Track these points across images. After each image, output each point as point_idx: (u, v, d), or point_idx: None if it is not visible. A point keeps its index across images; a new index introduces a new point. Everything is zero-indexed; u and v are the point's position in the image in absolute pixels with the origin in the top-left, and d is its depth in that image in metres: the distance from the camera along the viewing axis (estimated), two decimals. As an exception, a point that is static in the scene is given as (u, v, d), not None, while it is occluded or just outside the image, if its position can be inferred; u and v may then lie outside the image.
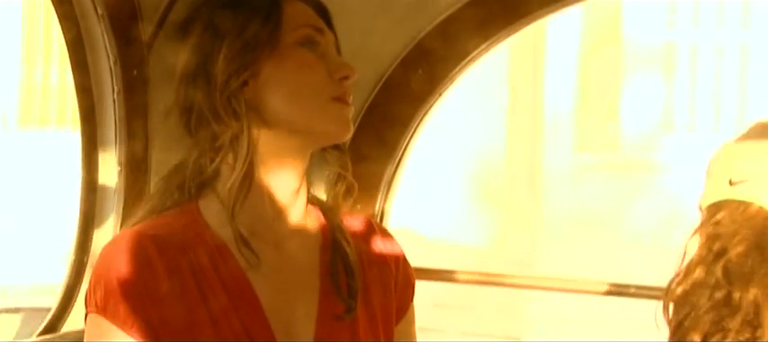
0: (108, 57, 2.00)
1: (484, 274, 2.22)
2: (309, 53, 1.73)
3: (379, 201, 2.10)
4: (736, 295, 1.48)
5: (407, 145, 2.05)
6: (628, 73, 11.23)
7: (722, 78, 12.54)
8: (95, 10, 1.97)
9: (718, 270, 1.50)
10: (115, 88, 2.00)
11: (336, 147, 1.77)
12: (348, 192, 1.78)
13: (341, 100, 1.72)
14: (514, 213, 10.72)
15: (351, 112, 1.74)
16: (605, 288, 2.12)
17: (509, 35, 1.98)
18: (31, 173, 10.15)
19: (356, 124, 2.02)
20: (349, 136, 1.75)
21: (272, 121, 1.71)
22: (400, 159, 2.08)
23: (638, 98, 11.94)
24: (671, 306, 1.55)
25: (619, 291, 2.14)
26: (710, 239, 1.54)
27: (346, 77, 1.74)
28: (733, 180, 1.56)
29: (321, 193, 1.79)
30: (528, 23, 1.94)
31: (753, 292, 1.47)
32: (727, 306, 1.48)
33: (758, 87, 12.66)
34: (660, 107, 12.21)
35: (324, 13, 1.78)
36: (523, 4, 1.95)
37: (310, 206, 1.78)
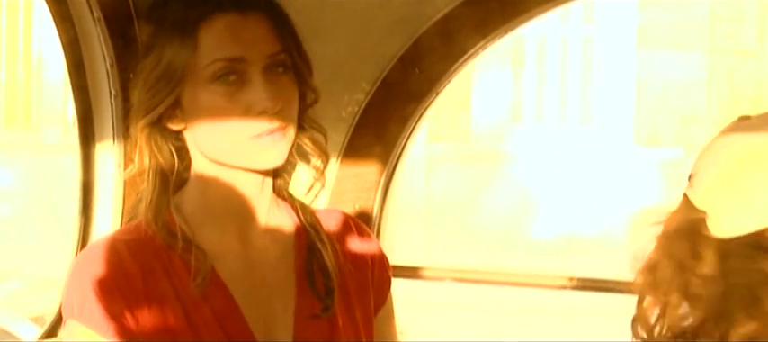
0: (104, 58, 1.99)
1: (453, 270, 2.27)
2: (222, 89, 1.66)
3: (377, 199, 2.10)
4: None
5: (406, 143, 2.06)
6: (478, 66, 11.44)
7: (568, 71, 12.93)
8: (91, 12, 1.97)
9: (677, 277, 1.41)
10: (112, 90, 2.00)
11: (314, 141, 1.76)
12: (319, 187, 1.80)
13: (259, 137, 1.66)
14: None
15: (278, 139, 1.66)
16: (575, 283, 2.16)
17: (507, 33, 2.00)
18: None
19: (355, 122, 2.07)
20: (278, 164, 1.69)
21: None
22: (399, 158, 2.09)
23: (489, 90, 12.21)
24: None
25: (589, 285, 2.16)
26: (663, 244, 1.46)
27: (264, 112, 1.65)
28: (690, 173, 1.46)
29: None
30: (525, 21, 1.96)
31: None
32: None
33: (601, 80, 13.10)
34: (510, 99, 12.52)
35: (252, 5, 1.68)
36: (521, 2, 1.96)
37: (282, 202, 1.79)
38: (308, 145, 1.76)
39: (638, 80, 12.81)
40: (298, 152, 1.76)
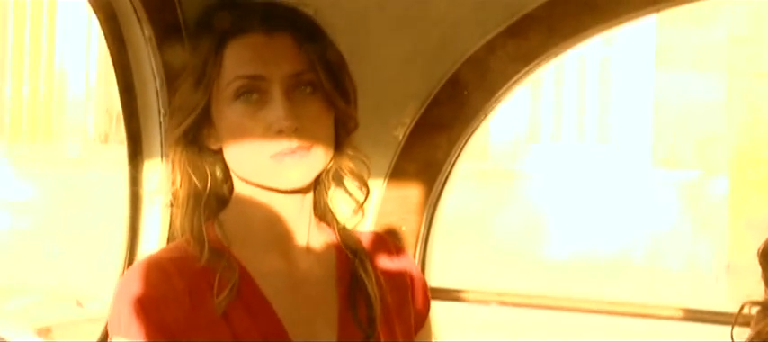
0: (154, 78, 2.00)
1: (493, 293, 2.26)
2: (244, 108, 1.68)
3: (423, 222, 2.11)
4: None
5: (453, 165, 2.08)
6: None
7: (585, 91, 12.92)
8: (142, 31, 1.98)
9: None
10: (161, 109, 2.01)
11: (353, 171, 1.76)
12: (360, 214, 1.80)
13: (279, 155, 1.67)
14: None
15: (300, 159, 1.66)
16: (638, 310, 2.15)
17: (550, 59, 2.02)
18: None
19: (402, 144, 2.08)
20: (301, 184, 1.69)
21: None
22: (446, 180, 2.10)
23: (506, 109, 12.22)
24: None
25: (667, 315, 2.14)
26: None
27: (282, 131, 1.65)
28: None
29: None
30: (573, 45, 2.00)
31: None
32: None
33: (618, 100, 13.08)
34: (526, 118, 12.52)
35: (279, 26, 1.70)
36: (565, 27, 1.99)
37: (325, 225, 1.80)
38: (345, 172, 1.77)
39: (655, 101, 12.80)
40: (334, 178, 1.77)
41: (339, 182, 1.78)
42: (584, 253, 12.54)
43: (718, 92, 12.87)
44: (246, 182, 1.73)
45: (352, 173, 1.77)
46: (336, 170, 1.76)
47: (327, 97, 1.70)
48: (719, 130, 12.88)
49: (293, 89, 1.68)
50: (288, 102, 1.66)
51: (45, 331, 7.51)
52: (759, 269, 1.48)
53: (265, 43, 1.68)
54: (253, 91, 1.67)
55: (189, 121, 1.72)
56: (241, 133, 1.67)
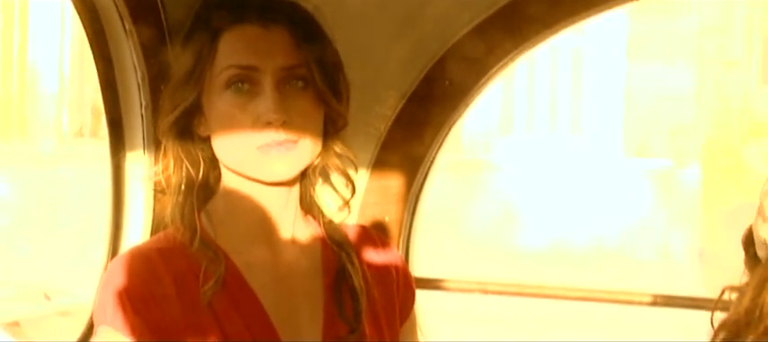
0: (136, 70, 2.01)
1: (474, 283, 2.28)
2: (234, 98, 1.68)
3: (406, 213, 2.12)
4: None
5: (435, 156, 2.09)
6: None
7: (557, 82, 12.99)
8: (123, 26, 1.98)
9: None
10: (143, 102, 2.01)
11: (339, 168, 1.77)
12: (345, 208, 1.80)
13: (266, 147, 1.67)
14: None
15: (287, 152, 1.66)
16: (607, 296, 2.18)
17: (535, 45, 2.04)
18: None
19: (384, 135, 2.09)
20: (286, 177, 1.69)
21: None
22: (428, 170, 2.11)
23: (478, 100, 12.26)
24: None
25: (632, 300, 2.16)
26: (763, 280, 1.47)
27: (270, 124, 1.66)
28: None
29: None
30: (547, 37, 2.04)
31: None
32: None
33: (590, 90, 13.16)
34: (499, 109, 12.59)
35: (276, 19, 1.70)
36: (548, 16, 2.02)
37: (311, 218, 1.80)
38: (332, 169, 1.77)
39: (627, 91, 12.87)
40: (321, 174, 1.78)
41: (326, 178, 1.78)
42: (558, 242, 12.59)
43: (689, 82, 12.96)
44: (233, 172, 1.73)
45: (338, 169, 1.77)
46: (323, 166, 1.77)
47: (319, 94, 1.70)
48: (690, 119, 12.98)
49: (285, 82, 1.68)
50: (278, 94, 1.67)
51: (13, 326, 7.48)
52: (730, 256, 1.50)
53: (261, 35, 1.69)
54: (244, 81, 1.68)
55: (180, 109, 1.71)
56: (230, 123, 1.68)
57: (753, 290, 1.47)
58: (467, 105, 2.07)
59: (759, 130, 12.44)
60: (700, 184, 12.80)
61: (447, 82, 2.05)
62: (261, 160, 1.68)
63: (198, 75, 1.70)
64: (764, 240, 1.49)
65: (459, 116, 2.08)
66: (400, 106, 2.08)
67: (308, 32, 1.72)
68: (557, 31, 2.04)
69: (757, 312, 1.45)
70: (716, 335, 1.50)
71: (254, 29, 1.69)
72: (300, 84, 1.69)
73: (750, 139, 12.45)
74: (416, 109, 2.08)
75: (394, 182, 2.10)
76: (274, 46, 1.69)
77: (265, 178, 1.70)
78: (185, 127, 1.74)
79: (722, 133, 12.70)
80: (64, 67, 10.82)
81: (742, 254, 1.54)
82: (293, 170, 1.70)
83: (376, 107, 2.08)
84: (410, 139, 2.09)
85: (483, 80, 2.06)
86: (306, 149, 1.70)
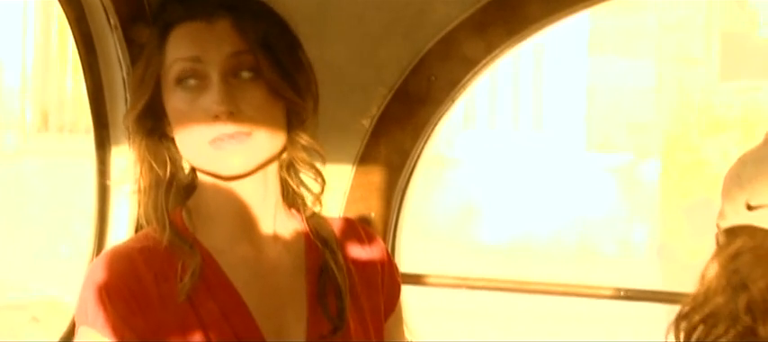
0: (120, 65, 2.00)
1: (455, 278, 2.29)
2: (183, 94, 1.69)
3: (393, 208, 2.13)
4: (761, 330, 1.42)
5: (421, 151, 2.09)
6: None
7: (519, 78, 13.04)
8: (108, 20, 1.97)
9: (741, 304, 1.44)
10: (127, 97, 2.00)
11: (306, 161, 1.76)
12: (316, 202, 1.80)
13: (217, 141, 1.67)
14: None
15: (239, 144, 1.65)
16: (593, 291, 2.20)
17: (517, 43, 2.05)
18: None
19: (370, 130, 2.09)
20: (242, 171, 1.68)
21: None
22: (414, 166, 2.11)
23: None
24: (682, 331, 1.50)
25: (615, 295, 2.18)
26: (729, 272, 1.47)
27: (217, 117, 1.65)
28: (751, 204, 1.46)
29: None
30: (533, 33, 2.04)
31: None
32: (751, 339, 1.42)
33: (552, 86, 13.22)
34: (461, 104, 12.61)
35: (219, 12, 1.69)
36: (526, 15, 2.02)
37: (294, 212, 1.79)
38: (297, 162, 1.76)
39: (588, 87, 12.95)
40: (289, 167, 1.76)
41: (295, 172, 1.77)
42: (520, 237, 12.65)
43: (649, 78, 13.05)
44: (195, 168, 1.73)
45: (304, 163, 1.76)
46: (290, 160, 1.75)
47: (269, 83, 1.68)
48: (651, 115, 13.07)
49: (232, 74, 1.67)
50: (224, 85, 1.66)
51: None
52: (689, 250, 1.52)
53: (205, 28, 1.69)
54: (191, 76, 1.68)
55: (138, 108, 1.72)
56: (182, 118, 1.68)
57: (727, 288, 1.47)
58: (453, 101, 2.08)
59: (718, 126, 12.56)
60: (660, 179, 12.90)
61: (433, 77, 2.05)
62: (214, 155, 1.67)
63: (151, 72, 1.71)
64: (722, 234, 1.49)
65: (446, 112, 2.09)
66: (386, 101, 2.08)
67: (252, 18, 1.71)
68: (545, 25, 2.05)
69: (734, 310, 1.45)
70: (689, 335, 1.49)
71: (200, 24, 1.70)
72: (248, 74, 1.68)
73: (710, 135, 12.56)
74: (403, 104, 2.08)
75: (380, 177, 2.10)
76: (219, 37, 1.69)
77: (221, 172, 1.69)
78: (153, 127, 1.74)
79: (681, 128, 12.81)
80: (27, 61, 10.74)
81: (701, 248, 1.55)
82: (249, 163, 1.68)
83: (362, 102, 2.09)
84: (396, 134, 2.09)
85: (469, 76, 2.06)
86: (262, 142, 1.68)
